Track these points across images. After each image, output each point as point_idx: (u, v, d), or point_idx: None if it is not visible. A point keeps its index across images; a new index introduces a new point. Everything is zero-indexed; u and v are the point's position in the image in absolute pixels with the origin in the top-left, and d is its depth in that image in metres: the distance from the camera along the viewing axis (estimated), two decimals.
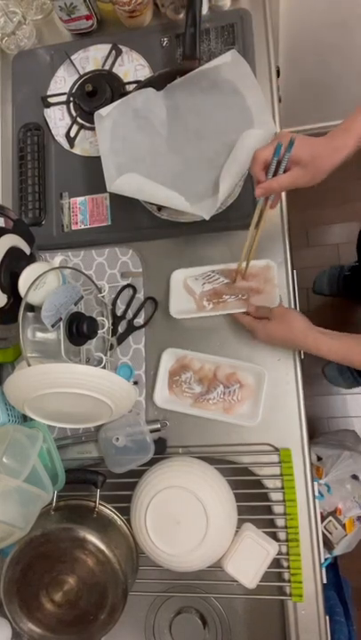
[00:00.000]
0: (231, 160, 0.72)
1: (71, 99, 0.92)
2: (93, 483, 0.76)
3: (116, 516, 0.77)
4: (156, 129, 0.82)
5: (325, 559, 0.79)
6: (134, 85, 0.86)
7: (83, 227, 0.90)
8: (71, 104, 0.92)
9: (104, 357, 0.83)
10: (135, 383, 0.84)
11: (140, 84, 0.82)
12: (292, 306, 0.83)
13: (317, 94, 1.51)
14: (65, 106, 0.93)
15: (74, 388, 0.67)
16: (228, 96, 0.77)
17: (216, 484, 0.72)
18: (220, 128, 0.79)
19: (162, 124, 0.82)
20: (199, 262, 0.85)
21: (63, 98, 0.93)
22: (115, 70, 0.91)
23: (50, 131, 0.93)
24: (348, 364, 0.71)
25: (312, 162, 0.62)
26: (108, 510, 0.77)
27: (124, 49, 0.91)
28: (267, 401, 0.78)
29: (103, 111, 0.80)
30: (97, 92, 0.88)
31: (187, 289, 0.85)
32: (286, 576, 0.74)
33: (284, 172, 0.64)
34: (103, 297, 0.86)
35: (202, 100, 0.80)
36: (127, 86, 0.90)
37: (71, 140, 0.92)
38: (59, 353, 0.75)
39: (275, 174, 0.64)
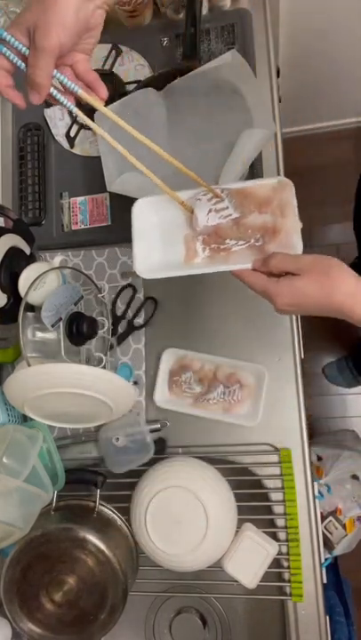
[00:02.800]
0: (231, 160, 0.72)
1: None
2: (93, 483, 0.76)
3: (116, 516, 0.77)
4: (157, 129, 0.82)
5: (326, 559, 0.79)
6: (134, 85, 0.86)
7: (83, 227, 0.90)
8: None
9: (104, 357, 0.83)
10: (135, 383, 0.84)
11: (140, 84, 0.82)
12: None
13: (317, 94, 1.51)
14: None
15: (74, 388, 0.67)
16: (229, 96, 0.77)
17: (216, 484, 0.72)
18: (221, 128, 0.79)
19: (162, 124, 0.82)
20: None
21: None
22: (115, 70, 0.91)
23: (50, 131, 0.93)
24: None
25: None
26: (108, 510, 0.77)
27: (124, 49, 0.91)
28: (267, 401, 0.78)
29: None
30: None
31: (186, 212, 0.60)
32: (286, 576, 0.74)
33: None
34: (103, 297, 0.86)
35: (202, 99, 0.80)
36: (127, 86, 0.90)
37: (71, 140, 0.92)
38: (59, 353, 0.75)
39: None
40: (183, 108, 0.81)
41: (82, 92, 0.53)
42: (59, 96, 0.53)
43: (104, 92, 0.55)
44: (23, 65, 0.50)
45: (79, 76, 0.54)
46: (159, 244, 0.62)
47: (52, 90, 0.52)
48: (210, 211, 0.58)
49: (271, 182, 0.58)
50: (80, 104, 0.55)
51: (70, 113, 0.92)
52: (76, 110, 0.54)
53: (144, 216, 0.62)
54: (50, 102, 0.55)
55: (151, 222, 0.62)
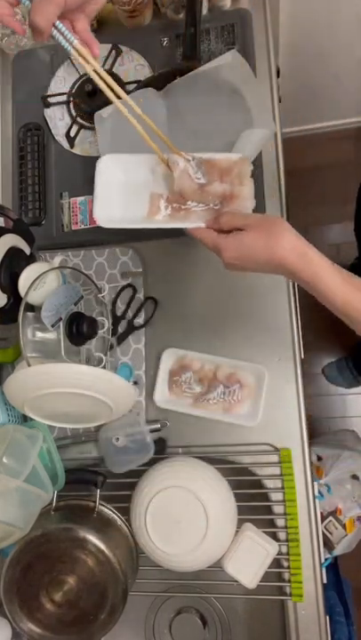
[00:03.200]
0: None
1: (71, 99, 0.92)
2: (93, 483, 0.76)
3: (116, 516, 0.77)
4: (157, 129, 0.82)
5: (326, 559, 0.79)
6: (134, 85, 0.86)
7: (83, 227, 0.90)
8: (71, 104, 0.92)
9: (104, 357, 0.83)
10: (135, 383, 0.84)
11: (140, 84, 0.82)
12: (292, 309, 0.81)
13: (317, 94, 1.51)
14: (65, 106, 0.93)
15: (74, 388, 0.67)
16: (229, 96, 0.77)
17: (216, 484, 0.72)
18: (221, 128, 0.79)
19: (162, 124, 0.82)
20: (200, 263, 0.85)
21: (63, 98, 0.93)
22: (115, 70, 0.91)
23: (50, 131, 0.93)
24: (344, 316, 0.56)
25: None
26: (108, 510, 0.77)
27: (124, 49, 0.91)
28: (267, 401, 0.78)
29: (104, 112, 0.80)
30: (97, 91, 0.88)
31: (155, 172, 0.66)
32: (286, 576, 0.74)
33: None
34: (103, 297, 0.86)
35: (202, 100, 0.80)
36: (127, 86, 0.90)
37: (71, 140, 0.92)
38: (59, 353, 0.75)
39: None
40: (183, 108, 0.81)
41: (77, 43, 0.56)
42: (60, 38, 0.56)
43: (97, 50, 0.60)
44: (28, 2, 0.54)
45: (77, 33, 0.58)
46: (123, 199, 0.66)
47: (54, 33, 0.55)
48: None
49: (233, 157, 0.65)
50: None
51: (70, 114, 0.92)
52: (75, 53, 0.57)
53: (110, 171, 0.66)
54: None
55: (117, 178, 0.66)
